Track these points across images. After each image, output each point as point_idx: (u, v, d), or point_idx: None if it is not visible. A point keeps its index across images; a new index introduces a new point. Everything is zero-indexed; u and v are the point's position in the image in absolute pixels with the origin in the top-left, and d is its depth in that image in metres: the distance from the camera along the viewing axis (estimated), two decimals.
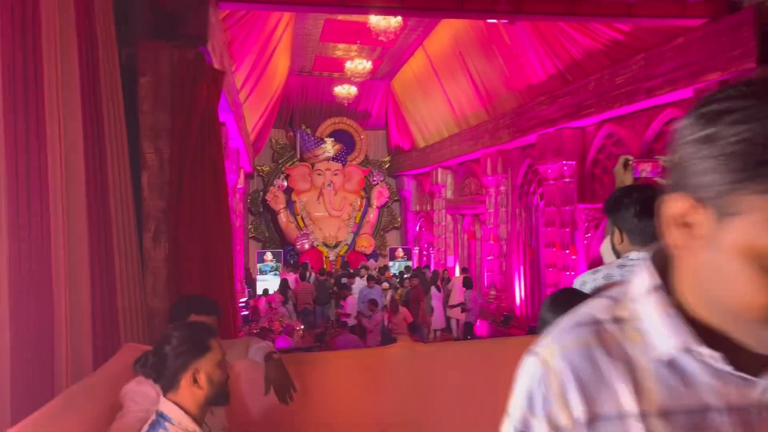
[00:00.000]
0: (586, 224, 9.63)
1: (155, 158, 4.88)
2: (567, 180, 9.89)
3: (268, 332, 10.44)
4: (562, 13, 6.15)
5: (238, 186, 14.64)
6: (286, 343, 9.39)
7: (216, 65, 5.58)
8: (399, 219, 20.64)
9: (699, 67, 6.57)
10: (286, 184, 18.81)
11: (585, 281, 2.08)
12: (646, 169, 2.42)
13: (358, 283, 13.38)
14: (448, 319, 13.39)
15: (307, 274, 14.02)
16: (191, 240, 4.67)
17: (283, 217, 18.61)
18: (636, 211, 1.98)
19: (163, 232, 4.86)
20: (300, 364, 2.72)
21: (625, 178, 2.45)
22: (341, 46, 14.73)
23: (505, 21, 8.01)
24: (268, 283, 16.10)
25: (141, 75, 4.87)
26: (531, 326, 10.86)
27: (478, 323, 13.11)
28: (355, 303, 11.69)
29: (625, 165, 2.46)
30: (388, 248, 19.17)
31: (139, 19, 5.07)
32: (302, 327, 11.87)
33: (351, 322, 11.49)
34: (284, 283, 13.33)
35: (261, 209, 19.51)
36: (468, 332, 12.33)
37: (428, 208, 17.96)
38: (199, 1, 4.99)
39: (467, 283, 12.81)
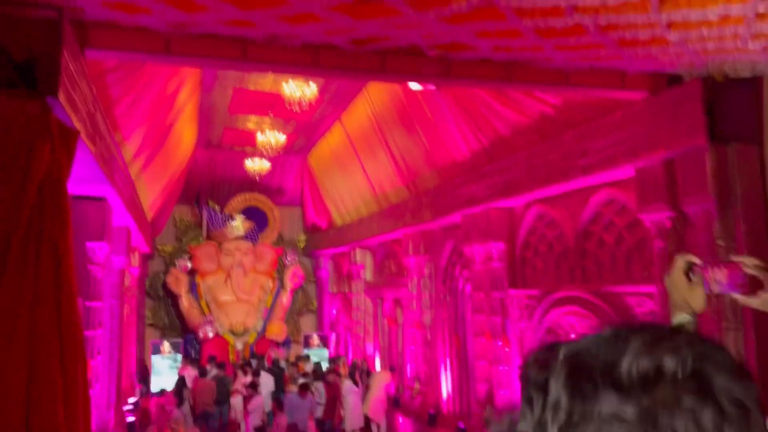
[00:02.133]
0: (518, 312, 8.80)
1: None
2: (496, 263, 9.12)
3: None
4: (496, 79, 5.47)
5: (132, 267, 13.03)
6: None
7: (77, 124, 4.39)
8: (314, 302, 19.28)
9: (640, 143, 6.03)
10: (189, 265, 17.15)
11: None
12: (719, 279, 1.43)
13: (266, 379, 11.83)
14: (366, 419, 12.01)
15: (208, 369, 12.30)
16: (8, 351, 3.33)
17: (185, 302, 16.82)
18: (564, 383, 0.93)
19: None
20: None
21: (691, 295, 1.43)
22: (253, 117, 13.78)
23: (432, 87, 7.36)
24: (163, 378, 14.18)
25: None
26: (460, 428, 9.72)
27: (401, 420, 11.82)
28: (261, 405, 10.11)
29: (688, 271, 1.45)
30: (302, 335, 17.68)
31: None
32: None
33: (253, 423, 9.85)
34: (180, 382, 11.58)
35: (161, 293, 17.66)
36: None
37: (346, 290, 16.80)
38: (47, 40, 3.86)
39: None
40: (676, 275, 1.45)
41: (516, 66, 5.55)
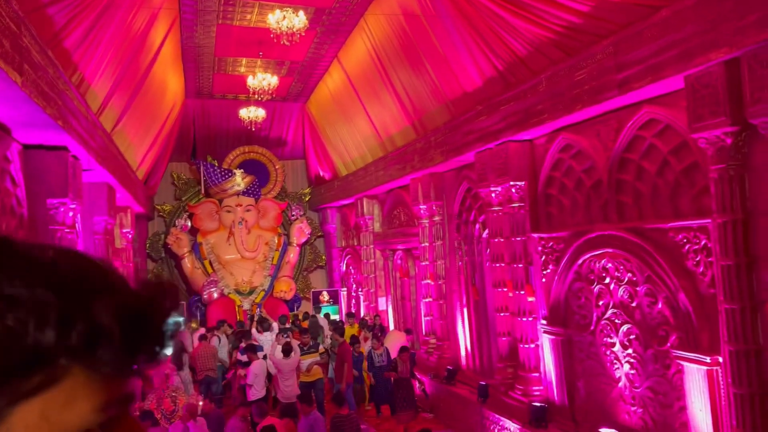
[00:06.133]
0: (543, 257, 7.83)
1: None
2: (516, 205, 8.10)
3: (149, 419, 7.92)
4: None
5: (124, 230, 12.21)
6: None
7: None
8: (323, 257, 18.46)
9: (693, 44, 4.91)
10: (189, 224, 16.32)
11: None
12: None
13: (267, 339, 11.11)
14: None
15: (215, 333, 11.58)
16: None
17: (188, 263, 16.08)
18: None
19: None
20: None
21: None
22: (243, 60, 12.67)
23: None
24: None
25: None
26: (481, 384, 8.91)
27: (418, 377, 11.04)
28: (260, 371, 9.31)
29: None
30: (311, 292, 16.91)
31: None
32: (202, 401, 9.45)
33: (254, 395, 9.09)
34: (179, 346, 10.86)
35: (163, 254, 16.93)
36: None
37: (354, 244, 15.93)
38: None
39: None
40: None
41: None
